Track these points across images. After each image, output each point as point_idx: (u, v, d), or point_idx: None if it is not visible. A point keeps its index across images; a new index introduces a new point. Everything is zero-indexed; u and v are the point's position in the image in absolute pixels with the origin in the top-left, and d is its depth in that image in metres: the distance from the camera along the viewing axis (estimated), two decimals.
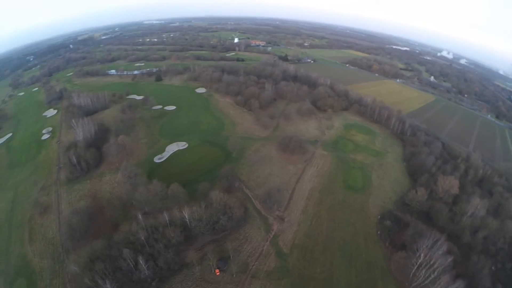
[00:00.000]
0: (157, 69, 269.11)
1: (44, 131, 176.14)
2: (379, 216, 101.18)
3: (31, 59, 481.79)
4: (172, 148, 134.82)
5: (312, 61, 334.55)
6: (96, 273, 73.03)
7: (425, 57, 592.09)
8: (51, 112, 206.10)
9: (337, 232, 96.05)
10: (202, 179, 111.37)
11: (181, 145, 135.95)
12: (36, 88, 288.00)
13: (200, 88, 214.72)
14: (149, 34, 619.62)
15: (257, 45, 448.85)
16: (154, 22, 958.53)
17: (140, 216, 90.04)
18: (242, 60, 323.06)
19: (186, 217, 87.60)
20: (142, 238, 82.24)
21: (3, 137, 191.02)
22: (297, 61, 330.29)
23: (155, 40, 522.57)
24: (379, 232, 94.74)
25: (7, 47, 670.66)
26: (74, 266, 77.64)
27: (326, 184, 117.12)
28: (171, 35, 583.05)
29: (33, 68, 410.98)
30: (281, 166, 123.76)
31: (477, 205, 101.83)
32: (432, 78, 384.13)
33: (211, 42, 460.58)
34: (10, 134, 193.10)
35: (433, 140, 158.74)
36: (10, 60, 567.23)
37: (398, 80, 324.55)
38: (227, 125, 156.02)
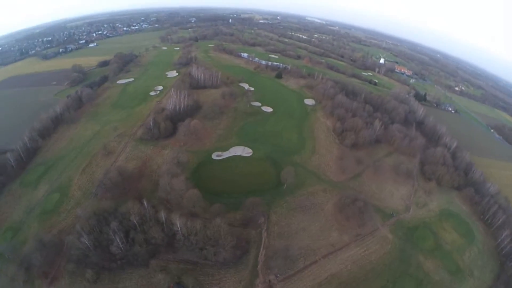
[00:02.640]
0: (284, 65, 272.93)
1: (155, 88, 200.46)
2: None
3: (193, 21, 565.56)
4: (236, 150, 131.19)
5: (453, 111, 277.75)
6: (88, 225, 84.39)
7: None
8: (172, 74, 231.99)
9: None
10: (236, 197, 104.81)
11: (246, 151, 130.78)
12: (177, 48, 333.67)
13: (310, 99, 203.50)
14: (302, 30, 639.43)
15: (401, 73, 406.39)
16: (316, 20, 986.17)
17: (145, 202, 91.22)
18: (375, 84, 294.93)
19: (178, 226, 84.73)
20: (135, 221, 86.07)
21: (126, 79, 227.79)
22: (435, 105, 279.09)
23: (305, 37, 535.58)
24: None
25: (179, 3, 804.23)
26: (79, 210, 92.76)
27: (357, 281, 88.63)
28: (322, 37, 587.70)
29: (189, 30, 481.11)
30: (323, 228, 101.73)
31: None
32: None
33: (354, 55, 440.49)
34: (132, 79, 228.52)
35: None
36: (175, 15, 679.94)
37: None
38: (305, 151, 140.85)
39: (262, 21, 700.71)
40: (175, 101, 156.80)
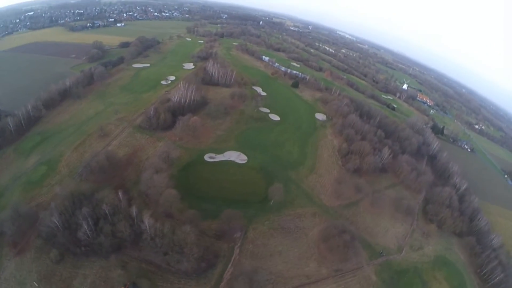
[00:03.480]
0: (303, 75, 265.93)
1: (168, 77, 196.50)
2: None
3: (224, 17, 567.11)
4: (230, 155, 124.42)
5: (469, 149, 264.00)
6: (63, 205, 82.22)
7: None
8: (189, 66, 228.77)
9: None
10: (218, 204, 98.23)
11: (241, 158, 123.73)
12: (201, 41, 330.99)
13: (321, 114, 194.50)
14: (330, 43, 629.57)
15: (423, 102, 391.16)
16: (347, 35, 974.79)
17: (120, 194, 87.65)
18: (393, 109, 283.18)
19: (146, 224, 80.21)
20: (106, 211, 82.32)
21: (142, 64, 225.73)
22: (451, 140, 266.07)
23: (331, 50, 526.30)
24: None
25: None
26: (58, 188, 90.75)
27: None
28: (349, 53, 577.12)
29: (218, 25, 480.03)
30: (302, 255, 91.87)
31: None
32: None
33: (377, 76, 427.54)
34: (148, 65, 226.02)
35: None
36: (208, 9, 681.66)
37: None
38: (303, 168, 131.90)
39: (292, 28, 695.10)
40: (181, 94, 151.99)
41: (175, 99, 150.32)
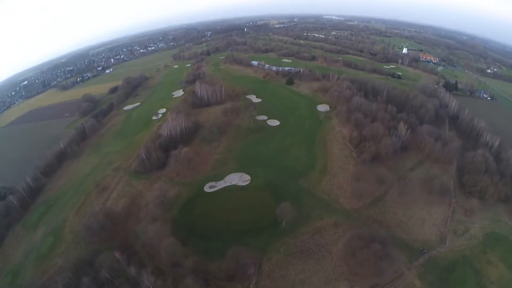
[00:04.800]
0: (296, 69, 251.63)
1: (158, 111, 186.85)
2: None
3: (208, 34, 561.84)
4: (232, 179, 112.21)
5: (489, 98, 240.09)
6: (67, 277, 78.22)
7: None
8: (179, 93, 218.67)
9: None
10: (225, 239, 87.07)
11: (244, 179, 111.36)
12: (189, 65, 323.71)
13: (323, 104, 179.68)
14: (319, 29, 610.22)
15: (428, 61, 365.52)
16: (334, 17, 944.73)
17: (117, 255, 79.79)
18: (398, 77, 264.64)
19: (146, 283, 71.51)
20: (107, 275, 76.42)
21: (133, 104, 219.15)
22: (468, 93, 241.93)
23: (321, 36, 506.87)
24: None
25: (197, 19, 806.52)
26: (59, 260, 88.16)
27: None
28: (340, 34, 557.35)
29: (203, 44, 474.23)
30: (329, 278, 77.32)
31: None
32: None
33: (374, 48, 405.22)
34: (139, 103, 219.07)
35: None
36: (192, 31, 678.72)
37: None
38: (314, 171, 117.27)
39: (277, 26, 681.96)
40: (171, 126, 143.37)
41: (166, 133, 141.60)
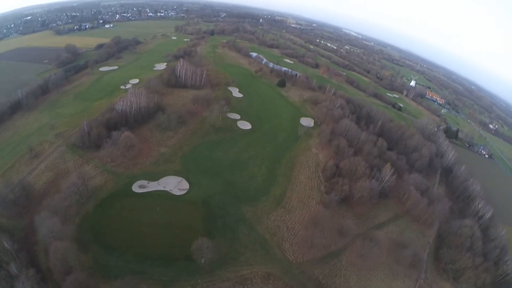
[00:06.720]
0: (292, 71, 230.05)
1: (131, 81, 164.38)
2: None
3: (222, 16, 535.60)
4: (167, 183, 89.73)
5: (486, 156, 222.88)
6: None
7: None
8: (161, 66, 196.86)
9: None
10: (130, 259, 67.66)
11: (181, 186, 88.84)
12: (187, 39, 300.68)
13: (308, 118, 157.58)
14: (333, 40, 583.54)
15: (433, 100, 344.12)
16: (352, 33, 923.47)
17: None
18: (399, 109, 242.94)
19: None
20: None
21: (111, 66, 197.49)
22: (467, 145, 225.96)
23: (333, 47, 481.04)
24: None
25: None
26: None
27: None
28: (352, 49, 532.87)
29: (212, 23, 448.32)
30: None
31: None
32: None
33: (382, 72, 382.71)
34: (117, 67, 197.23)
35: None
36: (208, 8, 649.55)
37: None
38: (267, 199, 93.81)
39: (294, 25, 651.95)
40: (129, 101, 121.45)
41: (120, 109, 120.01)
